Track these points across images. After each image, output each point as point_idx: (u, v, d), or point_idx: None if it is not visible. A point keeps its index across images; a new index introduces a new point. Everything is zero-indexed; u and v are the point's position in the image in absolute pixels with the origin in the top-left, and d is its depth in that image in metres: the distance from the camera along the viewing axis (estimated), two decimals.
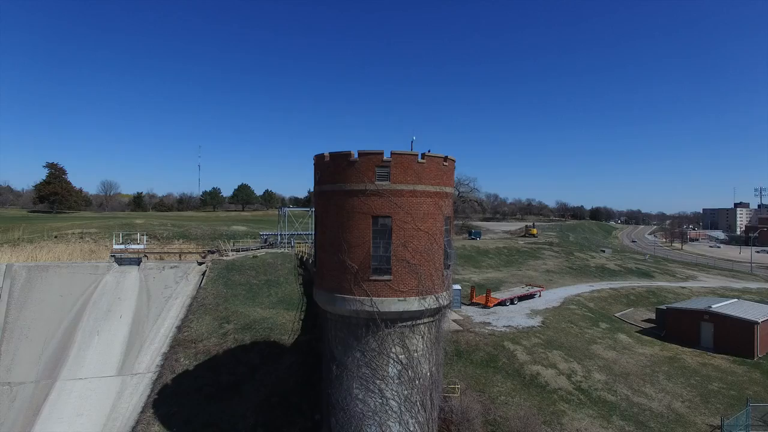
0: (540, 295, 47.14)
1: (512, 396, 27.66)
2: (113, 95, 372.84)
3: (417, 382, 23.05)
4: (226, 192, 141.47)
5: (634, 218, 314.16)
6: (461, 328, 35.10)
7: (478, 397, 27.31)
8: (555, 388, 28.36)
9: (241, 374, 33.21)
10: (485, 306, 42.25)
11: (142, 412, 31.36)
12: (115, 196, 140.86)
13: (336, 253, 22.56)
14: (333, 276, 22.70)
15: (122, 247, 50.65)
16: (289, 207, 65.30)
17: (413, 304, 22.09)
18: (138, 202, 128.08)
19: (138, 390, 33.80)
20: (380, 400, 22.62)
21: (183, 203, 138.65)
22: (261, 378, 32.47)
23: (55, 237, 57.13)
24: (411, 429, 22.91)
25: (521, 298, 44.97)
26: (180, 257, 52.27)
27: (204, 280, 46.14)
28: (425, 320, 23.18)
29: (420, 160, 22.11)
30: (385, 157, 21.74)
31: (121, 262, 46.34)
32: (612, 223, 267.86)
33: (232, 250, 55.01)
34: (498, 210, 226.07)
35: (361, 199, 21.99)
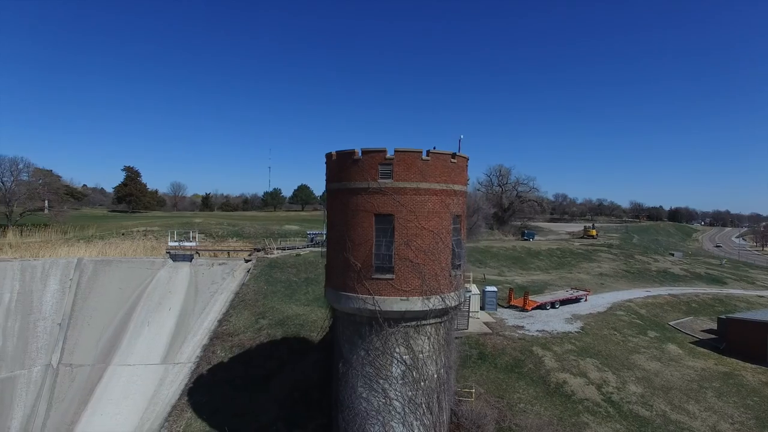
0: (586, 300, 44.50)
1: (533, 404, 26.33)
2: (207, 100, 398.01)
3: (422, 383, 22.62)
4: (288, 192, 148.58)
5: (721, 219, 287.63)
6: (490, 331, 33.96)
7: (495, 402, 26.29)
8: (581, 399, 26.64)
9: (269, 368, 34.31)
10: (523, 309, 40.58)
11: (179, 398, 33.32)
12: (189, 197, 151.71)
13: (341, 251, 22.70)
14: (339, 273, 22.86)
15: (176, 244, 54.15)
16: None
17: (416, 304, 21.70)
18: (206, 203, 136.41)
19: (178, 378, 35.93)
20: (384, 400, 22.45)
21: (247, 203, 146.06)
22: (287, 373, 33.34)
23: (123, 234, 62.13)
24: (415, 431, 22.51)
25: (564, 302, 42.71)
26: (228, 255, 54.92)
27: (248, 277, 48.20)
28: (432, 321, 22.69)
29: (424, 157, 21.70)
30: (388, 155, 21.57)
31: (174, 258, 49.39)
32: (694, 224, 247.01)
33: (277, 249, 56.97)
34: (566, 210, 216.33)
35: (364, 197, 21.96)
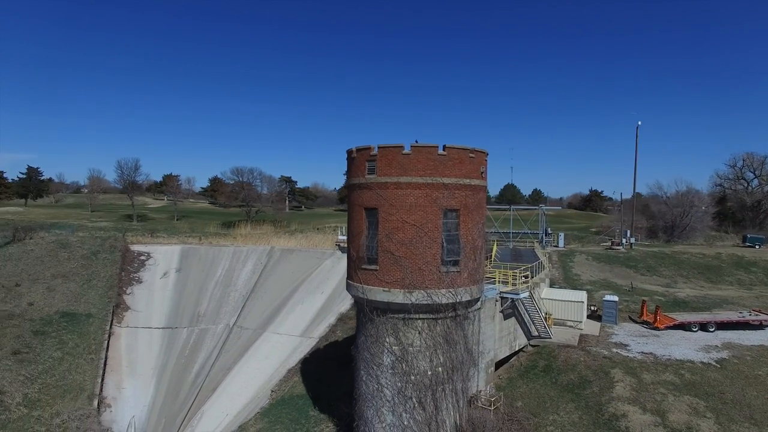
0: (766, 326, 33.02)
1: (566, 429, 22.52)
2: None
3: (412, 377, 22.61)
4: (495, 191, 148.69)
5: None
6: (576, 345, 29.50)
7: (524, 419, 23.54)
8: None
9: None
10: (653, 327, 33.13)
11: (295, 365, 40.07)
12: None
13: (349, 243, 24.71)
14: (348, 263, 24.88)
15: (344, 237, 62.90)
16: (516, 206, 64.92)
17: (398, 296, 22.00)
18: None
19: (305, 350, 42.91)
20: (376, 386, 23.39)
21: None
22: None
23: (317, 229, 75.08)
24: (405, 423, 22.68)
25: (724, 325, 32.65)
26: None
27: None
28: (422, 316, 22.44)
29: (405, 151, 21.86)
30: (373, 152, 22.59)
31: (344, 250, 57.91)
32: None
33: None
34: None
35: (357, 192, 23.50)
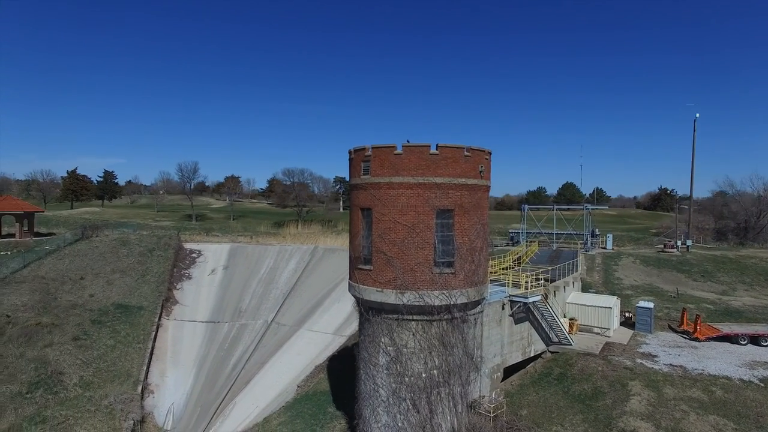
0: None
1: None
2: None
3: (406, 379, 22.43)
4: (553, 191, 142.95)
5: None
6: (597, 353, 27.71)
7: (524, 427, 22.53)
8: None
9: None
10: (693, 337, 30.35)
11: (323, 362, 40.98)
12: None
13: (350, 243, 25.00)
14: (349, 263, 25.16)
15: None
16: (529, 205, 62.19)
17: (390, 296, 21.94)
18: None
19: (335, 347, 43.76)
20: (373, 386, 23.46)
21: (503, 204, 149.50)
22: None
23: None
24: (399, 425, 22.54)
25: None
26: None
27: None
28: (415, 317, 22.20)
29: (397, 151, 21.77)
30: (367, 152, 22.71)
31: None
32: None
33: None
34: None
35: (354, 192, 23.73)
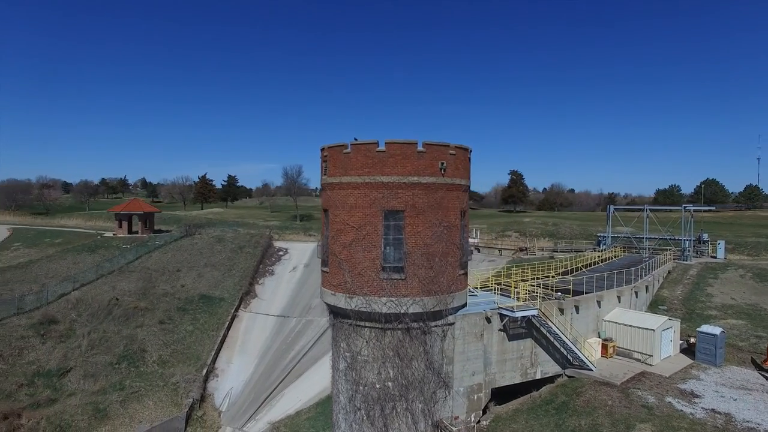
0: None
1: None
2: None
3: (360, 387, 21.37)
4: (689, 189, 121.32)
5: None
6: (618, 384, 22.89)
7: None
8: None
9: None
10: None
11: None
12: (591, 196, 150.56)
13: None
14: None
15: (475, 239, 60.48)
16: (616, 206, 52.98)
17: (340, 300, 21.17)
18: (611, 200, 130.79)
19: None
20: (335, 390, 22.87)
21: (634, 203, 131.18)
22: None
23: None
24: None
25: None
26: (500, 252, 56.41)
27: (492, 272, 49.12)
28: (367, 324, 21.00)
29: (346, 150, 20.92)
30: (325, 153, 22.27)
31: (479, 249, 57.26)
32: None
33: (558, 250, 53.58)
34: None
35: (321, 193, 23.39)
